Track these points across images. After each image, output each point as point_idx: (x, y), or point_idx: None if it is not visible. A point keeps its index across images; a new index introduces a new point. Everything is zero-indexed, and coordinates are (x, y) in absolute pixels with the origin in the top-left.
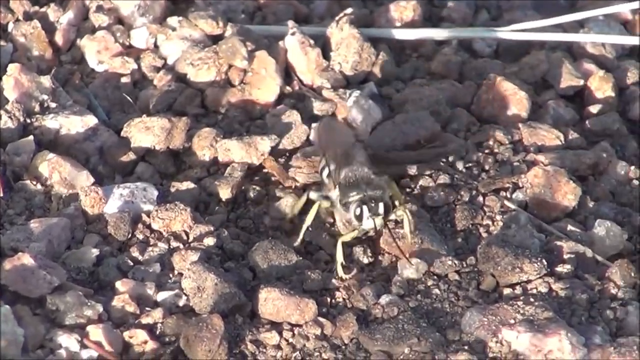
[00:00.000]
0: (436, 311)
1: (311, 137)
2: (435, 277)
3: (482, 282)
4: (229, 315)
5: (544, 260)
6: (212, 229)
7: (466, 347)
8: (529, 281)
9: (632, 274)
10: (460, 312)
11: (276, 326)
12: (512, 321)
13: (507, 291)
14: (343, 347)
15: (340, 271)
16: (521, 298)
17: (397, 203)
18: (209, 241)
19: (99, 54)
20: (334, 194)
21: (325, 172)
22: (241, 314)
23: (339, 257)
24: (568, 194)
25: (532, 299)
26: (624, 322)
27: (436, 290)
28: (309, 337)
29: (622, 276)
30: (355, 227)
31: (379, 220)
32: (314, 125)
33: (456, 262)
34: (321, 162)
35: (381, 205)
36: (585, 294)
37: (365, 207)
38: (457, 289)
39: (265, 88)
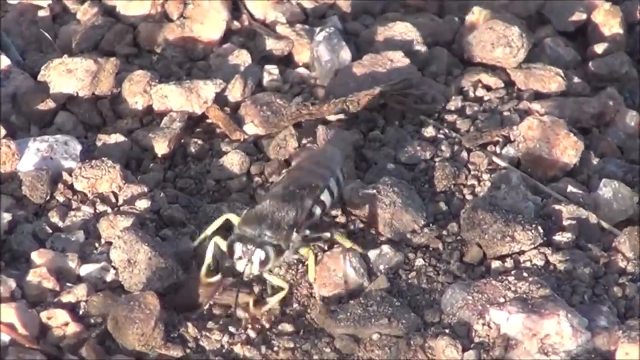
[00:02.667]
0: (412, 288)
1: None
2: (411, 247)
3: (466, 254)
4: (165, 294)
5: (539, 228)
6: (145, 190)
7: (447, 331)
8: (521, 252)
9: None
10: (441, 288)
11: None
12: (502, 300)
13: (495, 264)
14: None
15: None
16: (512, 272)
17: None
18: (142, 204)
19: None
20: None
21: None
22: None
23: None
24: (568, 149)
25: (525, 274)
26: (634, 300)
27: (413, 264)
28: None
29: (631, 246)
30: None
31: (248, 268)
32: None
33: (436, 229)
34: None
35: (257, 254)
36: (588, 268)
37: (239, 245)
38: (437, 261)
39: (208, 23)
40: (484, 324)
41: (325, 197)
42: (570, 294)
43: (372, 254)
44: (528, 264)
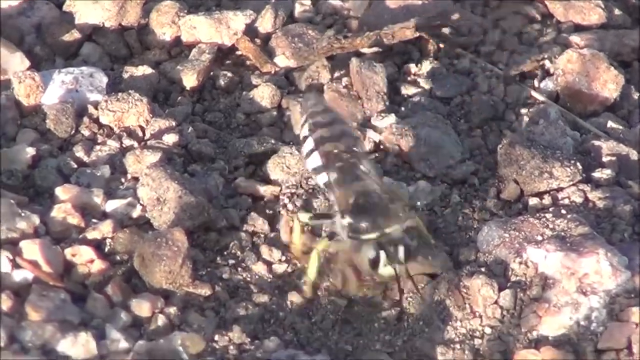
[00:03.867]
0: (447, 225)
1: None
2: (446, 184)
3: (503, 190)
4: (194, 232)
5: (578, 164)
6: (173, 124)
7: (483, 269)
8: (560, 189)
9: None
10: (477, 226)
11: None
12: (540, 238)
13: (533, 201)
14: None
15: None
16: (550, 210)
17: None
18: (170, 139)
19: None
20: (339, 220)
21: (322, 178)
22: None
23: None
24: (608, 83)
25: (563, 211)
26: None
27: (448, 200)
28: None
29: None
30: (367, 273)
31: (399, 268)
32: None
33: (472, 165)
34: (310, 157)
35: (401, 250)
36: (628, 205)
37: (382, 253)
38: (473, 198)
39: None
40: (520, 263)
41: None
42: (609, 232)
43: (408, 190)
44: (566, 201)
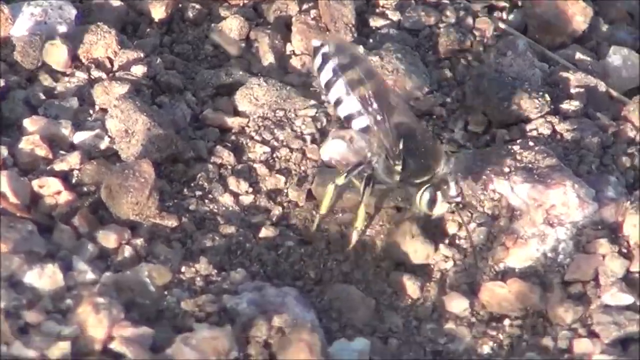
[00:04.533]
0: None
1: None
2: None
3: (471, 122)
4: (161, 163)
5: (546, 95)
6: (142, 55)
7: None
8: (528, 120)
9: None
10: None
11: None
12: (507, 170)
13: (500, 133)
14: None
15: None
16: (518, 142)
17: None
18: (138, 70)
19: None
20: (382, 163)
21: (360, 122)
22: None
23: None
24: (577, 15)
25: (531, 143)
26: None
27: None
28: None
29: None
30: (416, 210)
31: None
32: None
33: (440, 96)
34: (344, 102)
35: (454, 187)
36: (596, 137)
37: (439, 194)
38: (441, 129)
39: None
40: (488, 194)
41: None
42: (577, 164)
43: None
44: (534, 133)
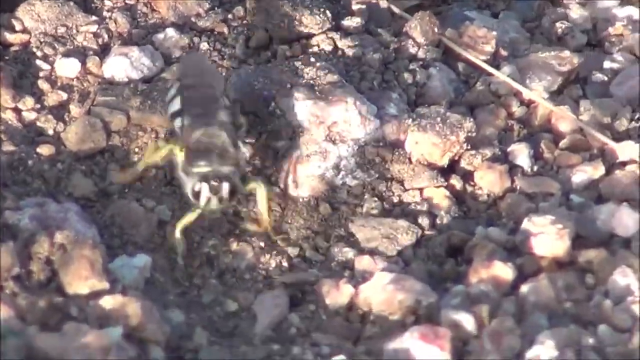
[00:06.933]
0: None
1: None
2: (195, 31)
3: (253, 38)
4: None
5: (327, 12)
6: None
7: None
8: (309, 36)
9: (435, 29)
10: (226, 74)
11: None
12: (288, 86)
13: (282, 50)
14: None
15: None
16: (300, 58)
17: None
18: None
19: None
20: (179, 156)
21: (178, 122)
22: None
23: (179, 247)
24: None
25: (312, 59)
26: (425, 87)
27: (197, 48)
28: None
29: (423, 32)
30: (194, 206)
31: (219, 203)
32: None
33: (221, 13)
34: (172, 102)
35: (225, 186)
36: (378, 53)
37: (205, 185)
38: (222, 46)
39: None
40: (270, 110)
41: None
42: (359, 81)
43: (157, 38)
44: (316, 49)
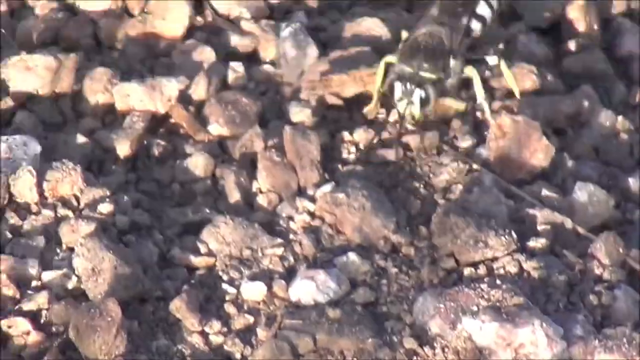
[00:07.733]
0: (382, 296)
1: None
2: (381, 254)
3: (438, 260)
4: (129, 303)
5: (513, 233)
6: (108, 193)
7: (418, 341)
8: (494, 259)
9: (620, 250)
10: (412, 296)
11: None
12: (475, 308)
13: (468, 271)
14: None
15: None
16: (485, 280)
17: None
18: (105, 208)
19: None
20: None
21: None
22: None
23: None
24: (538, 152)
25: (498, 281)
26: (611, 309)
27: (384, 270)
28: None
29: (607, 252)
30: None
31: (410, 108)
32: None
33: (407, 234)
34: None
35: (417, 93)
36: (563, 275)
37: (399, 85)
38: (408, 268)
39: (171, 18)
40: (456, 334)
41: (482, 9)
42: (544, 302)
43: (340, 261)
44: (501, 271)
